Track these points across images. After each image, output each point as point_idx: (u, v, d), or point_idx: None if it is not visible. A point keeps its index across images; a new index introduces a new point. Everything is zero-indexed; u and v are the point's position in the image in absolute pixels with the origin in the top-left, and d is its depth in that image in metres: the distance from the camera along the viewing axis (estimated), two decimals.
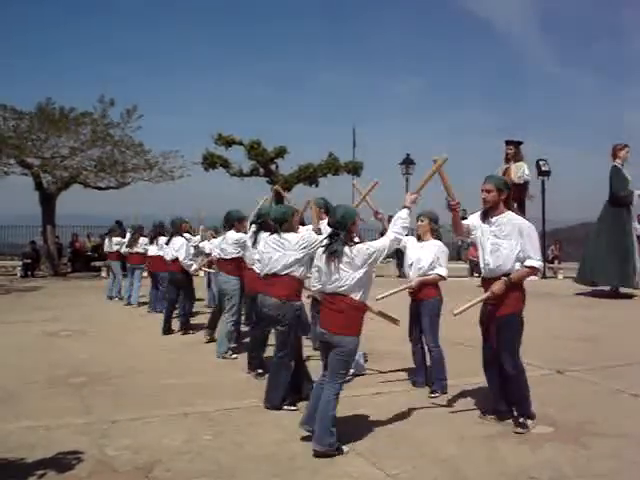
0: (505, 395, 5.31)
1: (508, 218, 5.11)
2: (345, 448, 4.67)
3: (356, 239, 4.92)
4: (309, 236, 5.84)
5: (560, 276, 20.80)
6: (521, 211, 17.27)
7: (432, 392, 6.12)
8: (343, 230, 4.75)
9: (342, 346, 4.70)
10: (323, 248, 4.90)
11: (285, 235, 5.85)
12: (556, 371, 7.05)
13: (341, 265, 4.70)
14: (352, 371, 7.02)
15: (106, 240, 15.38)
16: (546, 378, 6.82)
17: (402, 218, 4.89)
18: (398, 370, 7.09)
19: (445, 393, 6.10)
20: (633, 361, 7.50)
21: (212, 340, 8.95)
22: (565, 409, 5.61)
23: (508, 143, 16.84)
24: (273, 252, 5.88)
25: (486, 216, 5.22)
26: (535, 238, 5.08)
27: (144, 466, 4.37)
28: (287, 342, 5.75)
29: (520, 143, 17.04)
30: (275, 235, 5.94)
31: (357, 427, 5.18)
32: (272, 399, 5.73)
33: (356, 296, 4.71)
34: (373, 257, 4.72)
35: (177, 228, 10.26)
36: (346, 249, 4.70)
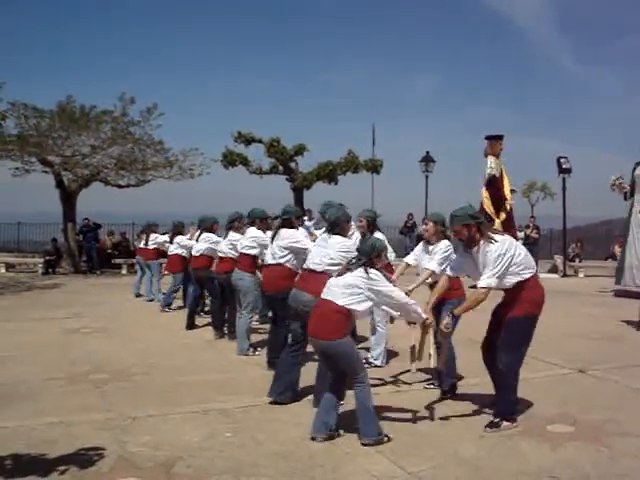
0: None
1: (482, 250, 5.07)
2: (390, 435, 4.82)
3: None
4: (352, 243, 5.89)
5: (581, 274, 20.65)
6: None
7: (443, 392, 6.08)
8: (366, 258, 4.91)
9: (334, 350, 4.84)
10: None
11: (333, 236, 5.88)
12: (578, 370, 7.00)
13: (348, 276, 4.87)
14: (379, 362, 7.08)
15: (144, 237, 14.56)
16: (568, 377, 6.78)
17: (417, 312, 5.11)
18: (419, 369, 7.07)
19: (454, 391, 6.07)
20: None
21: (222, 337, 9.11)
22: (587, 408, 5.57)
23: (501, 138, 16.34)
24: (317, 249, 5.98)
25: (467, 247, 5.22)
26: (491, 258, 4.97)
27: (165, 462, 4.40)
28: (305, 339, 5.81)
29: None
30: (325, 234, 6.04)
31: None
32: (278, 393, 5.88)
33: (342, 302, 4.81)
34: (378, 295, 4.88)
35: (207, 226, 10.27)
36: (360, 270, 4.85)
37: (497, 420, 5.11)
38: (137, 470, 4.29)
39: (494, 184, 16.01)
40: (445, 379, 6.11)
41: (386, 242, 5.71)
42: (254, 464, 4.39)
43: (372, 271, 4.85)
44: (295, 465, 4.38)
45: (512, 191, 16.60)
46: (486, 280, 4.97)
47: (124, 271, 21.21)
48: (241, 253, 8.19)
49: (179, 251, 12.03)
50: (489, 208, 14.13)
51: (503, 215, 14.32)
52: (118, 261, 22.14)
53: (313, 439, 4.83)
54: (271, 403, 5.82)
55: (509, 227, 14.47)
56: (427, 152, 25.18)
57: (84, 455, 4.45)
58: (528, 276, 5.10)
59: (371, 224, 6.95)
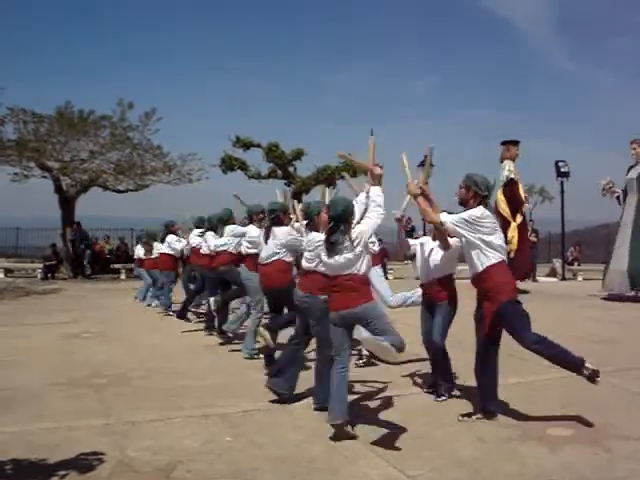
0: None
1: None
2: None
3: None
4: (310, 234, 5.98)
5: (580, 278, 20.69)
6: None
7: (438, 395, 6.09)
8: (344, 223, 4.99)
9: (369, 314, 4.93)
10: (324, 241, 5.13)
11: (309, 234, 5.98)
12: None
13: (343, 251, 4.94)
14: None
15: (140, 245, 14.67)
16: (566, 380, 6.75)
17: (377, 196, 5.13)
18: (417, 372, 7.08)
19: (450, 394, 6.09)
20: None
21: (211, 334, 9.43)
22: (585, 411, 5.57)
23: (517, 143, 16.25)
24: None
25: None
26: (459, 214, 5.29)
27: (165, 467, 4.40)
28: (318, 335, 5.84)
29: None
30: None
31: (376, 428, 5.18)
32: (279, 384, 5.99)
33: (359, 272, 4.94)
34: (363, 239, 4.96)
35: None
36: (345, 237, 4.94)
37: (589, 371, 5.23)
38: (137, 475, 4.29)
39: (511, 187, 15.84)
40: (442, 382, 6.13)
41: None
42: (254, 468, 4.40)
43: (352, 233, 4.96)
44: (295, 469, 4.39)
45: (525, 197, 16.60)
46: (446, 217, 5.30)
47: (123, 276, 21.22)
48: (246, 254, 8.24)
49: (168, 250, 12.16)
50: (504, 211, 14.03)
51: (520, 218, 14.25)
52: (117, 266, 22.16)
53: (332, 426, 4.91)
54: (272, 401, 5.86)
55: (524, 230, 14.53)
56: (425, 156, 25.16)
57: (84, 460, 4.45)
58: (495, 261, 5.20)
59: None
